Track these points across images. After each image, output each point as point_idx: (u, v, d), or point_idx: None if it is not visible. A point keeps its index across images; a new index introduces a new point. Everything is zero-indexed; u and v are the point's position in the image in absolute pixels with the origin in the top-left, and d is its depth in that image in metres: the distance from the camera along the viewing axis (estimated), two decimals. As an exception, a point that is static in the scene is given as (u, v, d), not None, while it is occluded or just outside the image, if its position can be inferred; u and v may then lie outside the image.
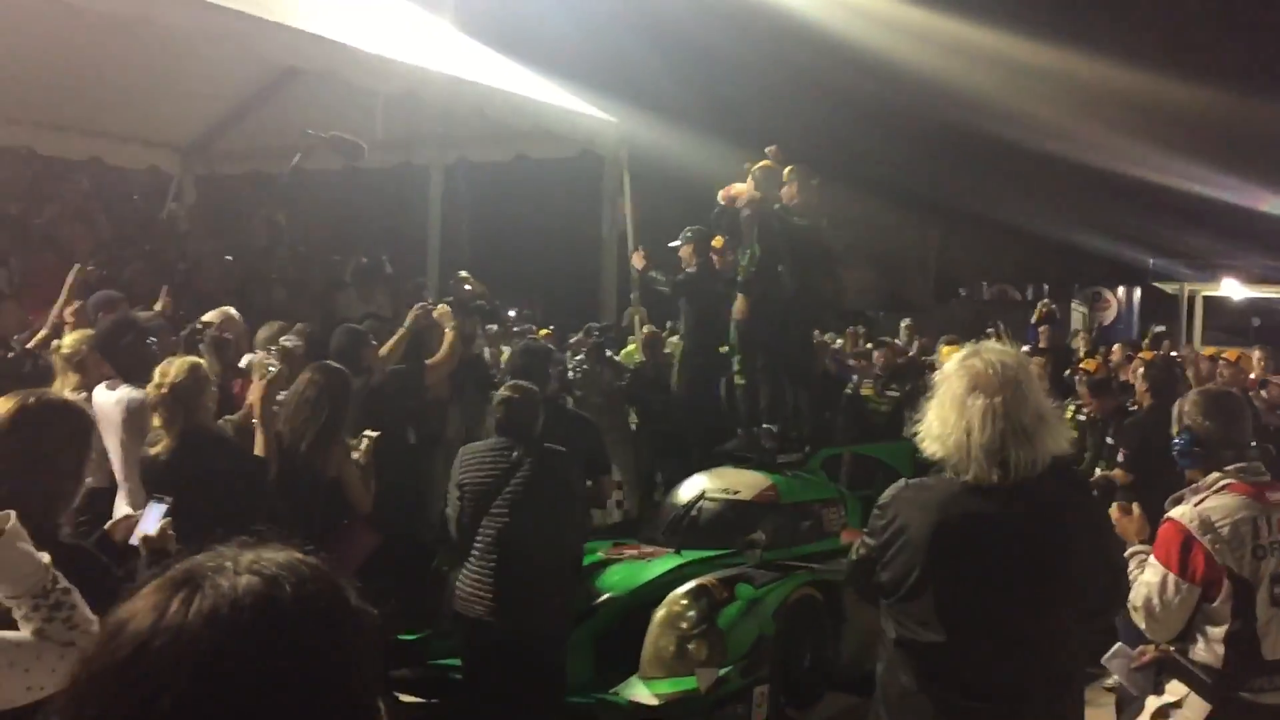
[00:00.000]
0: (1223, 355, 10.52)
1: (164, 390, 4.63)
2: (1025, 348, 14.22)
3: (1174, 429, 3.80)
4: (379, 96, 9.08)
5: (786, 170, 8.29)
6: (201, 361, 4.98)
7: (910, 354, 12.85)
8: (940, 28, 18.91)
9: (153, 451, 4.69)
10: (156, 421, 4.70)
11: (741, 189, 8.24)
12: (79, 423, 3.03)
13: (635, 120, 11.02)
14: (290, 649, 1.13)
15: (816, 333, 10.29)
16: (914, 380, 9.73)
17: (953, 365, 2.96)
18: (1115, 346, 14.44)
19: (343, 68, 8.11)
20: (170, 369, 4.69)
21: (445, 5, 11.47)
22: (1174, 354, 14.35)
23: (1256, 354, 11.14)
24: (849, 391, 10.63)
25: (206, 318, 6.39)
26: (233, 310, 6.80)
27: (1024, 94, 23.89)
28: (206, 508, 4.00)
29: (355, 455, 5.54)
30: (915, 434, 2.99)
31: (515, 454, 5.49)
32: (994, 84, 22.90)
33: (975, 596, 2.85)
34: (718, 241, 9.08)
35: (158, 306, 7.05)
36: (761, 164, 8.31)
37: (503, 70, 10.44)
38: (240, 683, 1.09)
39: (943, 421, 2.89)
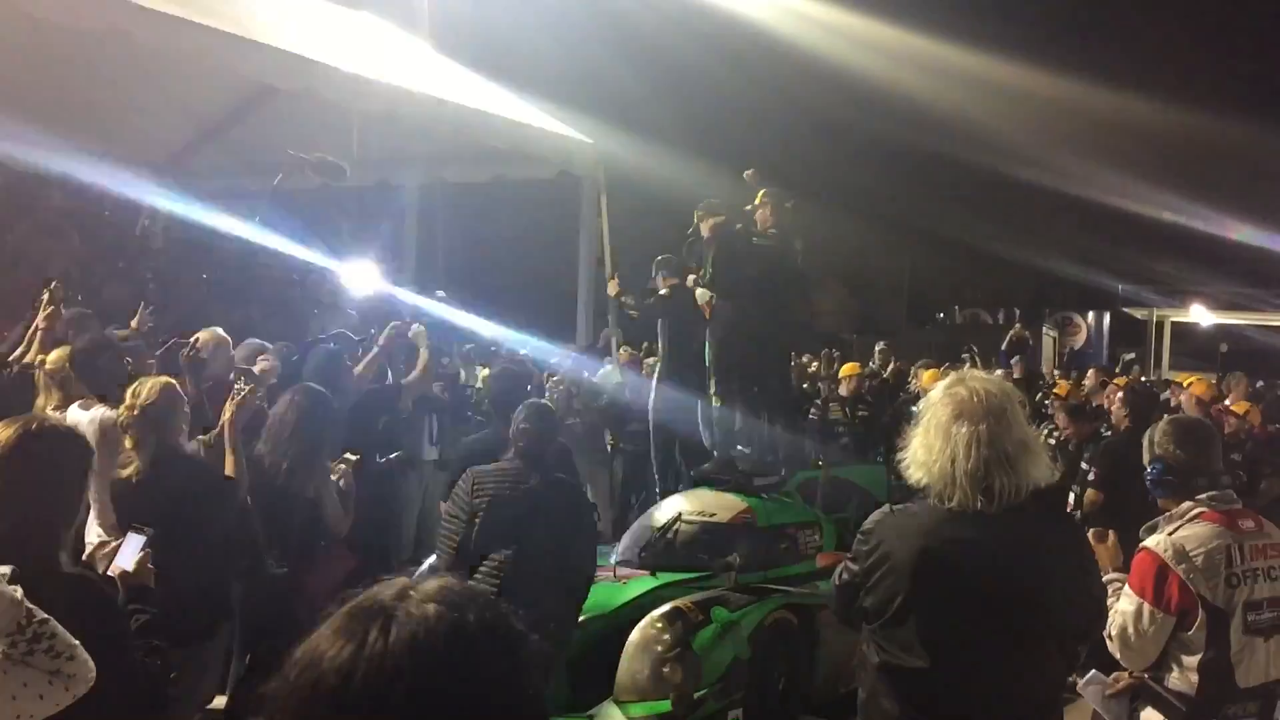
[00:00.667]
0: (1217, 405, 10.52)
1: (135, 411, 4.56)
2: (999, 373, 14.34)
3: (1145, 458, 3.83)
4: (355, 116, 9.06)
5: (760, 193, 8.32)
6: (174, 382, 4.91)
7: (884, 376, 12.94)
8: (916, 53, 19.07)
9: (124, 474, 4.61)
10: (128, 443, 4.62)
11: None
12: (80, 450, 3.01)
13: (612, 142, 11.05)
14: (481, 671, 1.21)
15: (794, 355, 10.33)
16: (891, 401, 9.78)
17: (938, 393, 2.98)
18: (1090, 371, 14.56)
19: (319, 87, 8.09)
20: (142, 389, 4.62)
21: (423, 25, 11.49)
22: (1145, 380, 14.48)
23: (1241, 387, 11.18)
24: (813, 415, 10.70)
25: (200, 337, 6.33)
26: (220, 331, 6.70)
27: (998, 121, 24.13)
28: (178, 530, 3.98)
29: (334, 478, 5.50)
30: (900, 460, 3.00)
31: (531, 481, 5.44)
32: (969, 110, 23.12)
33: (959, 623, 2.87)
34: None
35: (134, 324, 7.00)
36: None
37: (480, 91, 10.44)
38: (443, 705, 1.17)
39: (928, 448, 2.90)
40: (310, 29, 9.32)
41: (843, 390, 11.01)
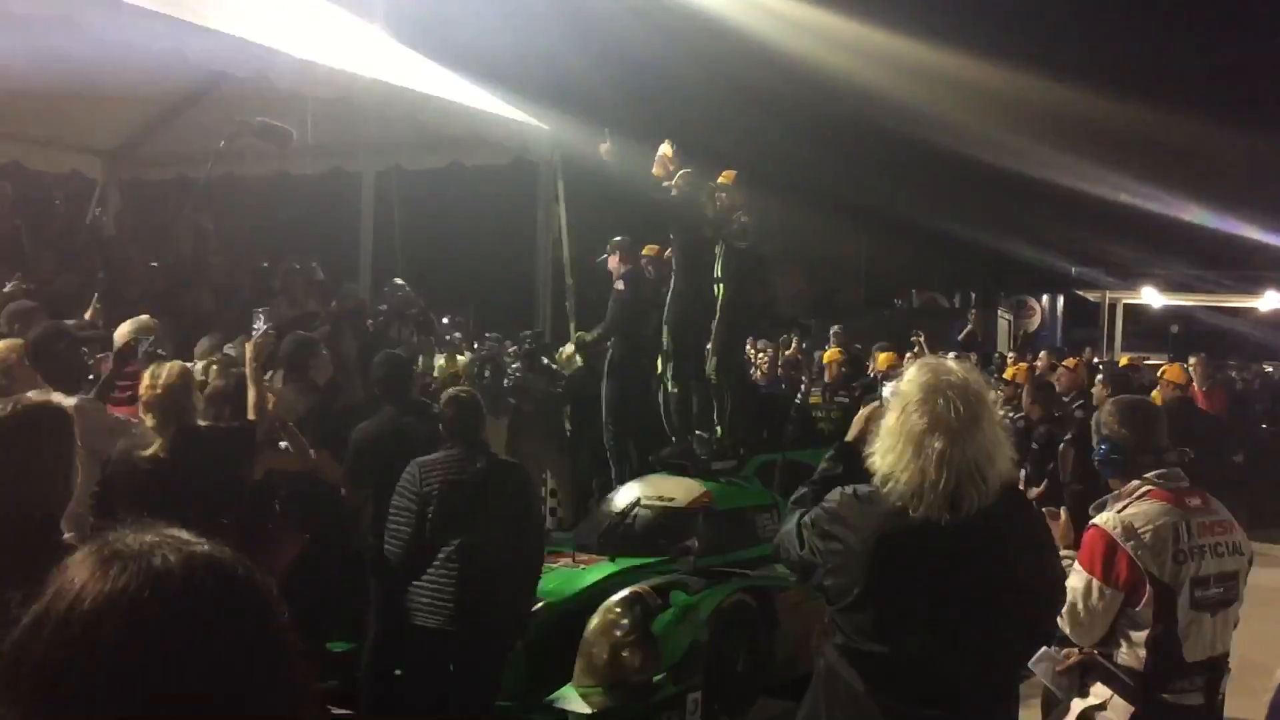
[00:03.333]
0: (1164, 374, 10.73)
1: (158, 390, 4.84)
2: (952, 355, 14.46)
3: (1094, 439, 3.89)
4: (309, 102, 8.97)
5: (727, 174, 8.36)
6: (189, 365, 5.31)
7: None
8: (869, 39, 19.16)
9: (146, 454, 4.83)
10: (150, 423, 4.88)
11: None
12: (62, 423, 3.06)
13: (568, 127, 11.02)
14: (212, 615, 1.18)
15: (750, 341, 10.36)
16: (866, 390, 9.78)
17: (914, 391, 2.91)
18: (1041, 354, 14.73)
19: (271, 73, 7.99)
20: (161, 372, 4.93)
21: (375, 11, 11.38)
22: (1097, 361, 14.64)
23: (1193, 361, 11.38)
24: (798, 400, 10.69)
25: (122, 330, 6.23)
26: (146, 318, 6.61)
27: (952, 104, 24.31)
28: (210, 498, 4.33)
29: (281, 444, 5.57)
30: (867, 455, 2.97)
31: (478, 465, 5.45)
32: (923, 94, 23.27)
33: (916, 614, 2.88)
34: (649, 250, 9.11)
35: (87, 315, 6.90)
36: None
37: (435, 77, 10.38)
38: (168, 638, 1.15)
39: (898, 454, 2.86)
40: (262, 15, 9.20)
41: (826, 377, 11.01)
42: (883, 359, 11.31)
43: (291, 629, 1.27)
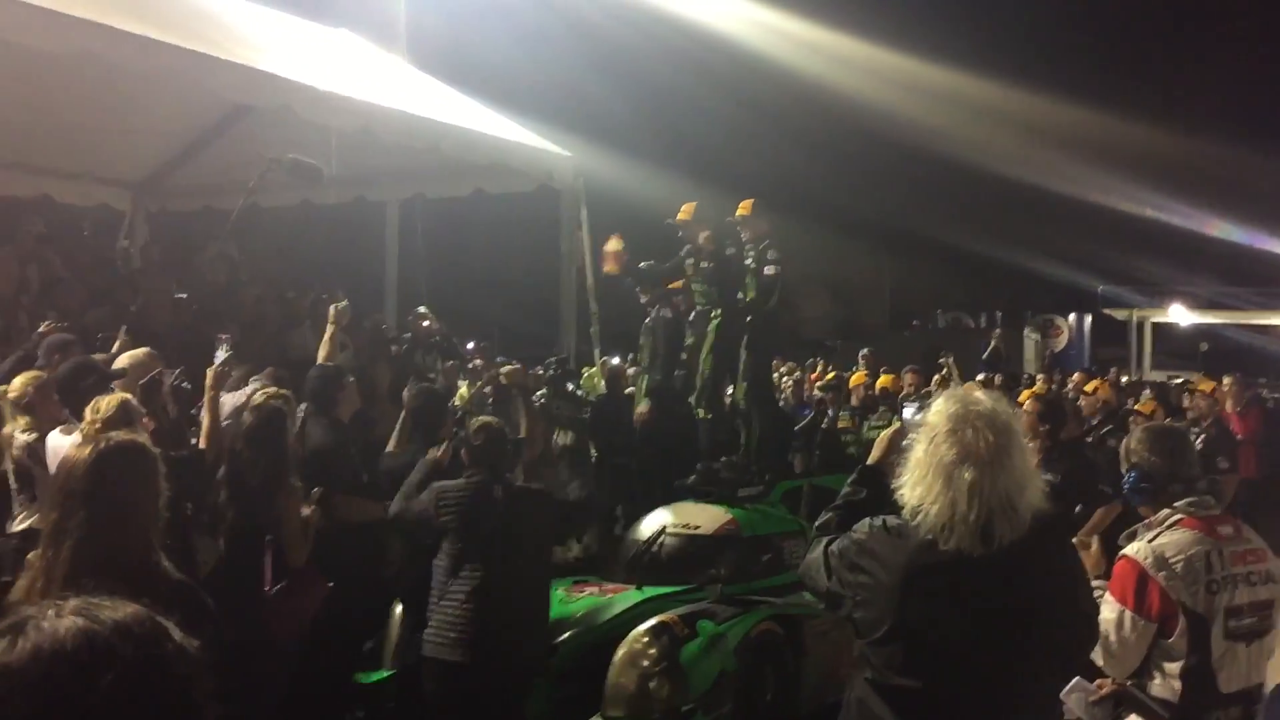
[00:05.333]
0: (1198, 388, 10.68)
1: (98, 426, 4.62)
2: (980, 377, 14.39)
3: (1122, 466, 3.84)
4: (333, 133, 9.04)
5: (747, 204, 8.44)
6: (130, 398, 5.01)
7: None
8: (892, 62, 19.17)
9: None
10: None
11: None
12: (151, 459, 3.09)
13: (591, 155, 11.07)
14: (113, 680, 1.17)
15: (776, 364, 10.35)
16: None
17: (942, 425, 2.86)
18: (1075, 375, 14.57)
19: (295, 105, 8.06)
20: (101, 405, 4.76)
21: (400, 42, 11.48)
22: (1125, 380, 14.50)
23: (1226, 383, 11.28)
24: (824, 425, 10.59)
25: (120, 364, 6.26)
26: (142, 352, 6.62)
27: (976, 124, 24.26)
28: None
29: (305, 511, 5.48)
30: (896, 487, 2.91)
31: (497, 494, 5.46)
32: (946, 115, 23.24)
33: (948, 649, 2.82)
34: (612, 244, 9.18)
35: (115, 349, 6.94)
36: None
37: (458, 106, 10.45)
38: (67, 711, 1.15)
39: (927, 487, 2.82)
40: (287, 47, 9.31)
41: (853, 400, 10.94)
42: (881, 380, 11.27)
43: (198, 676, 1.26)
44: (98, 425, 4.64)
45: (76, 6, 6.71)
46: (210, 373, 5.74)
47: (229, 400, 6.46)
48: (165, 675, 1.22)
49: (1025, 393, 12.41)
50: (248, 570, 5.16)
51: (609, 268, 8.67)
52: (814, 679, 6.57)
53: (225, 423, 6.04)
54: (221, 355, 5.84)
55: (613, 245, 8.83)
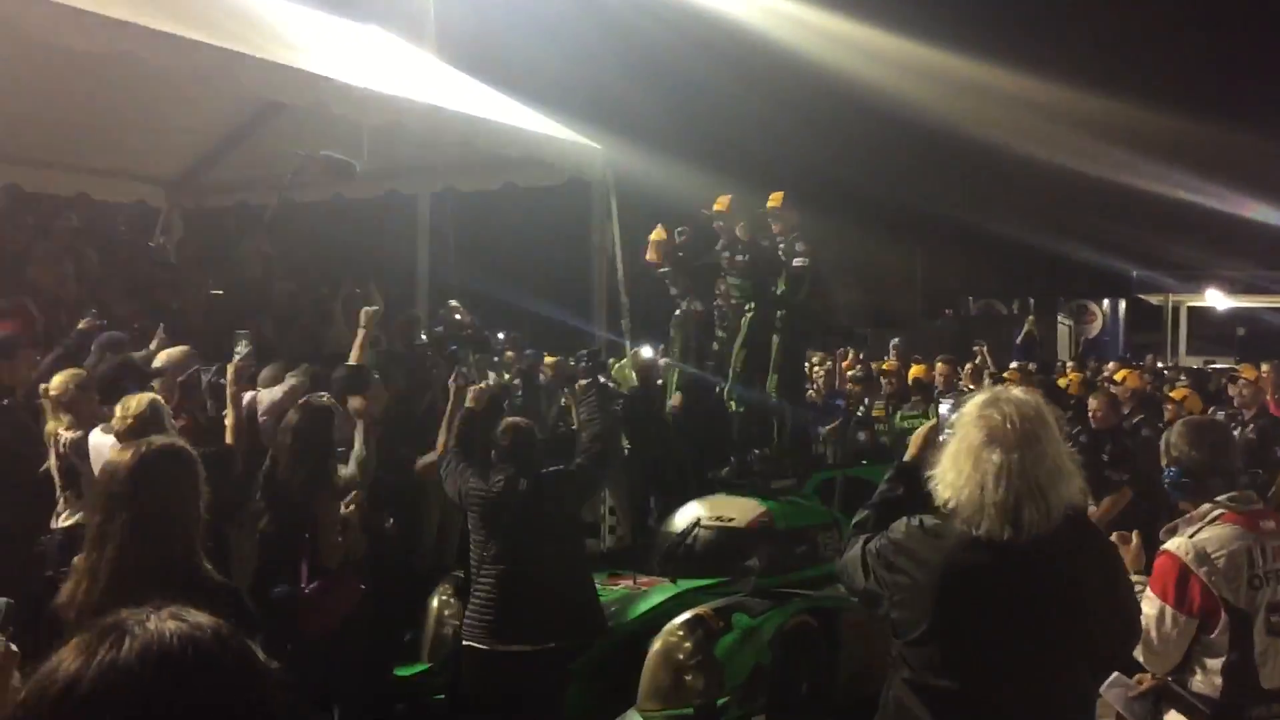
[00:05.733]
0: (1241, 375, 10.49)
1: (130, 422, 4.75)
2: (1014, 364, 14.29)
3: (1163, 461, 3.82)
4: (365, 129, 9.08)
5: (776, 196, 8.43)
6: (159, 397, 5.12)
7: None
8: (920, 51, 19.04)
9: None
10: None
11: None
12: (193, 462, 3.12)
13: (620, 147, 11.05)
14: (213, 684, 1.21)
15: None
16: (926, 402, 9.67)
17: (972, 412, 2.90)
18: (1109, 364, 14.44)
19: (327, 101, 8.10)
20: (131, 404, 4.87)
21: (429, 37, 11.51)
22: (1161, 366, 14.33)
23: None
24: (859, 414, 10.53)
25: (158, 362, 6.32)
26: (179, 350, 6.68)
27: (1005, 110, 24.04)
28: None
29: (346, 506, 5.52)
30: (929, 477, 2.94)
31: (522, 486, 5.50)
32: (975, 102, 23.04)
33: (985, 650, 2.82)
34: (657, 233, 9.20)
35: (153, 346, 7.03)
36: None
37: (487, 100, 10.46)
38: (168, 711, 1.17)
39: (957, 471, 2.83)
40: (317, 44, 9.35)
41: (885, 389, 10.87)
42: (913, 371, 11.21)
43: (280, 691, 1.29)
44: (129, 422, 4.76)
45: (110, 6, 6.77)
46: (230, 369, 5.77)
47: (265, 396, 6.52)
48: (255, 686, 1.25)
49: (1065, 379, 12.33)
50: (285, 570, 5.21)
51: (652, 256, 8.65)
52: (849, 671, 6.57)
53: (263, 419, 6.10)
54: (242, 351, 5.87)
55: (657, 235, 8.82)
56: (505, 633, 5.38)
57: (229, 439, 5.63)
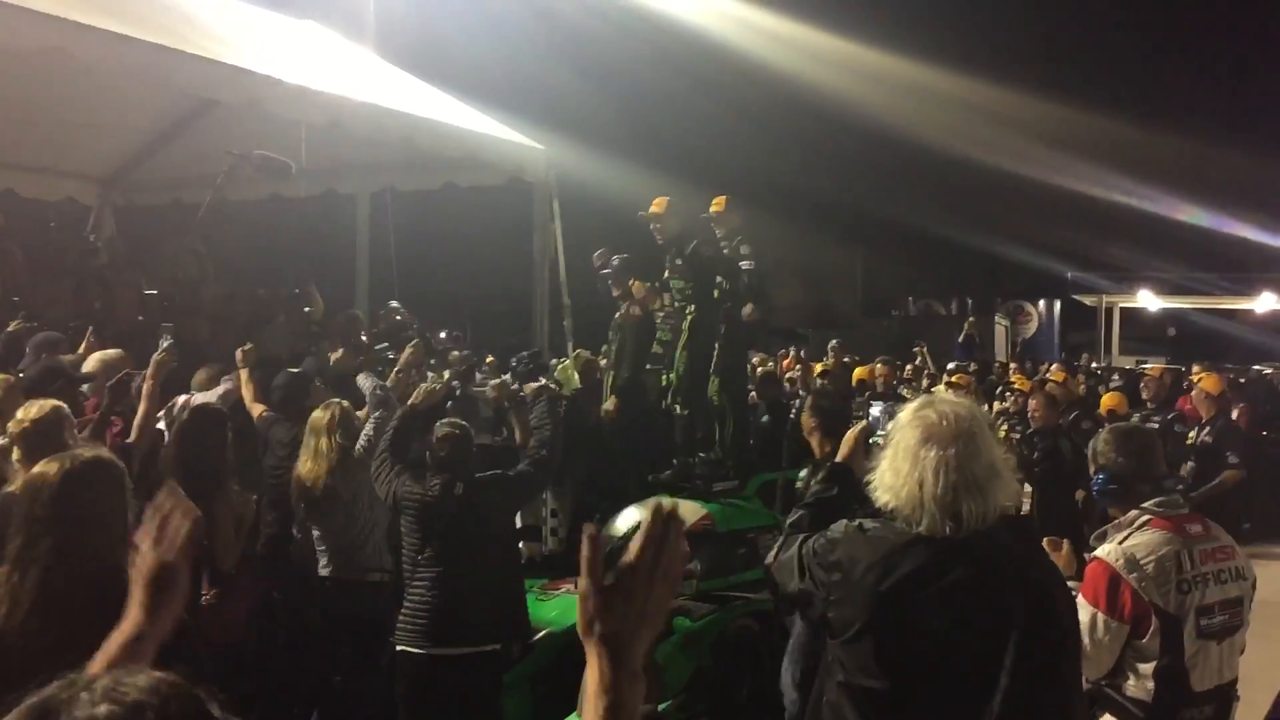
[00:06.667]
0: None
1: (26, 426, 4.51)
2: (952, 364, 14.47)
3: (1090, 468, 3.87)
4: (302, 127, 8.96)
5: (720, 200, 8.44)
6: (62, 404, 4.83)
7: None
8: (860, 52, 19.20)
9: (12, 489, 4.50)
10: (16, 457, 4.55)
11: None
12: (120, 474, 3.02)
13: (563, 147, 11.02)
14: None
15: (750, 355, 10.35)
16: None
17: (907, 415, 2.91)
18: (1053, 367, 14.59)
19: (262, 99, 7.98)
20: (33, 408, 4.61)
21: (369, 34, 11.39)
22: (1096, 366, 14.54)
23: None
24: (794, 416, 10.52)
25: (89, 366, 6.18)
26: (114, 353, 6.54)
27: (945, 113, 24.35)
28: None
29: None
30: (868, 481, 2.95)
31: (458, 491, 5.44)
32: (914, 103, 23.29)
33: (921, 650, 2.83)
34: (636, 288, 9.09)
35: (80, 349, 6.87)
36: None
37: (429, 99, 10.38)
38: None
39: (895, 472, 2.84)
40: (253, 40, 9.21)
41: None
42: (858, 372, 11.33)
43: None
44: (25, 426, 4.51)
45: (41, 1, 6.61)
46: (152, 361, 5.58)
47: (199, 399, 6.40)
48: None
49: (1019, 380, 12.48)
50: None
51: (635, 309, 8.59)
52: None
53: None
54: (164, 344, 5.74)
55: (639, 288, 8.75)
56: (440, 636, 5.33)
57: (133, 435, 5.39)
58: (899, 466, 2.84)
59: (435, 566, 5.40)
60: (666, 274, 8.56)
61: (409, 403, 5.99)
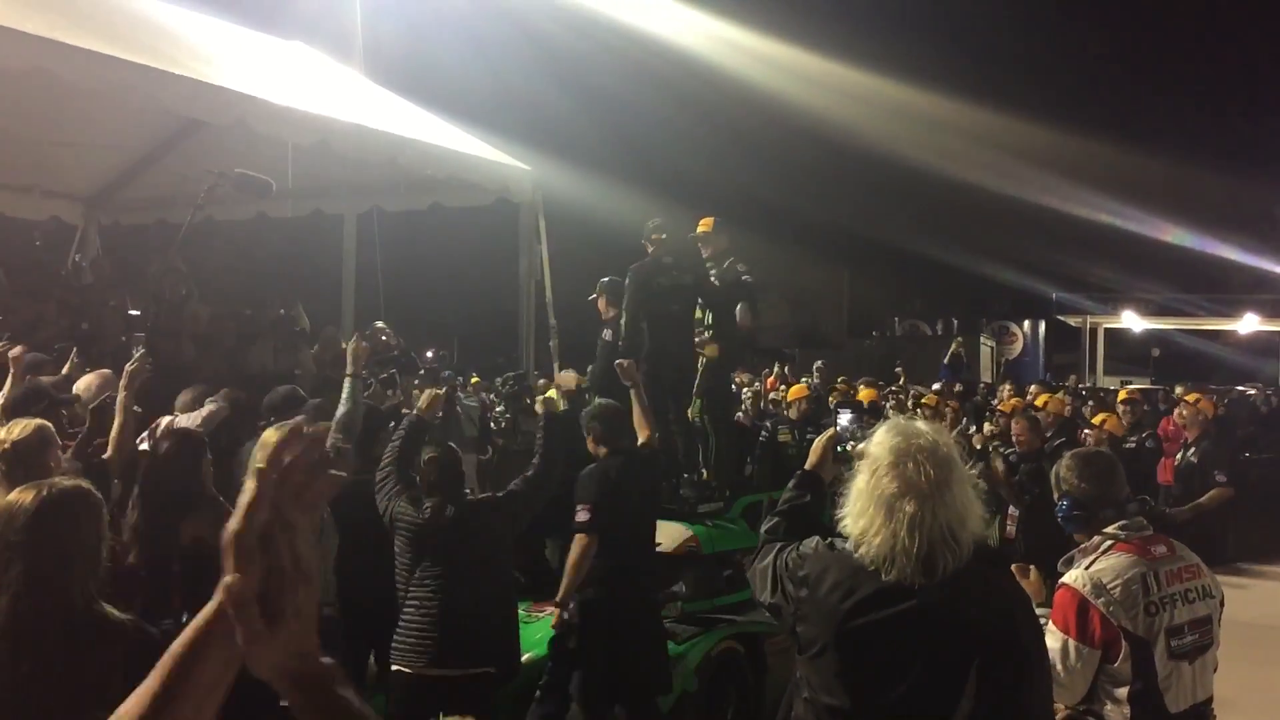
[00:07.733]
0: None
1: (5, 447, 4.44)
2: (937, 385, 14.51)
3: (1054, 495, 3.89)
4: (289, 148, 8.97)
5: (706, 222, 8.47)
6: (48, 425, 4.77)
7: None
8: (847, 74, 19.32)
9: None
10: None
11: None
12: (95, 503, 3.02)
13: (549, 168, 11.06)
14: None
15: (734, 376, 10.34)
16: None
17: (883, 454, 2.86)
18: (1032, 387, 14.62)
19: (249, 119, 8.00)
20: (15, 429, 4.54)
21: (356, 55, 11.43)
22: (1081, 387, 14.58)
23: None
24: (763, 438, 10.48)
25: (81, 385, 6.15)
26: (108, 372, 6.51)
27: (932, 134, 24.49)
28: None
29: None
30: (838, 516, 2.91)
31: (450, 513, 5.45)
32: (903, 125, 23.44)
33: (882, 670, 2.82)
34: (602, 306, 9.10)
35: (65, 370, 6.85)
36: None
37: (416, 119, 10.41)
38: None
39: (869, 519, 2.82)
40: (241, 61, 9.24)
41: (792, 414, 10.79)
42: (865, 394, 11.32)
43: None
44: (5, 447, 4.44)
45: (27, 22, 6.63)
46: (125, 371, 5.48)
47: (183, 421, 6.38)
48: None
49: (1005, 402, 12.53)
50: (156, 604, 5.01)
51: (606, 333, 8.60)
52: (775, 697, 6.59)
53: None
54: (136, 354, 5.70)
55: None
56: (431, 656, 5.33)
57: (109, 451, 5.32)
58: (873, 516, 2.81)
59: (427, 587, 5.40)
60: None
61: (414, 412, 5.99)
